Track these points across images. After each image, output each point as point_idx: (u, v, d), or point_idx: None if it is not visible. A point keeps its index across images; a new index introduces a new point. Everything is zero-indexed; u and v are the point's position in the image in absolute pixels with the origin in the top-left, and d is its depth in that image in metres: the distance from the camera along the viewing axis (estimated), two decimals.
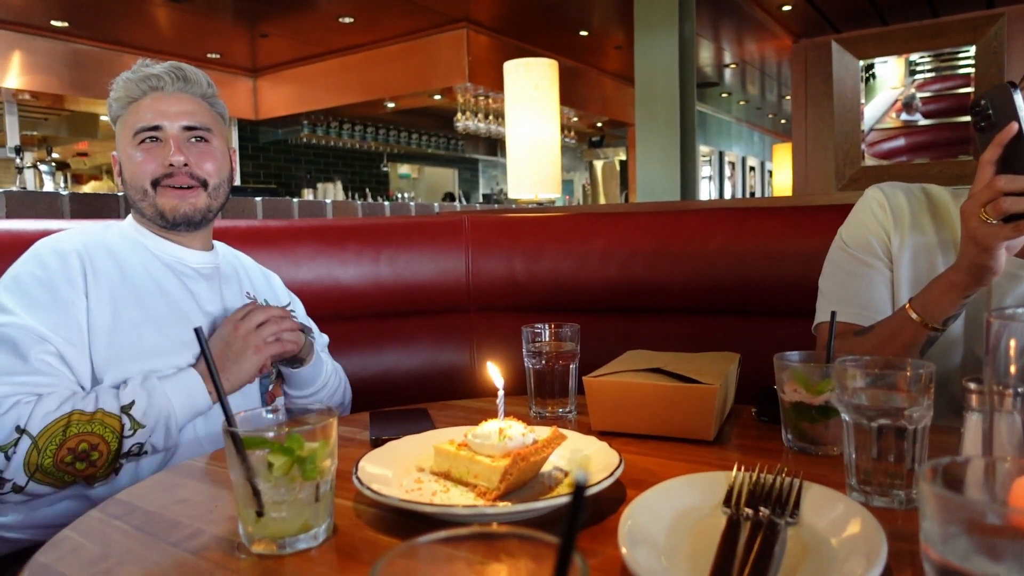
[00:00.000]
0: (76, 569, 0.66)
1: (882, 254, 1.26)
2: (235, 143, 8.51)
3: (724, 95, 10.33)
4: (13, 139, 6.75)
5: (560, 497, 0.71)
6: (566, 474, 0.84)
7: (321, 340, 1.54)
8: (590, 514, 0.75)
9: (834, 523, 0.66)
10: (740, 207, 1.93)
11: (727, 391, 1.08)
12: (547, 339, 1.19)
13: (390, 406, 1.31)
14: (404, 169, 11.07)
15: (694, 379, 1.01)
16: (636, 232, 1.84)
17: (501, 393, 0.86)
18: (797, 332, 1.40)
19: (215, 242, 1.39)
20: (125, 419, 1.04)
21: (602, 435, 1.05)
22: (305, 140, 8.68)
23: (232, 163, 1.35)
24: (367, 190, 9.66)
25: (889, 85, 5.98)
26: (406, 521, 0.74)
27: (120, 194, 1.77)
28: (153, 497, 0.85)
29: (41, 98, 6.79)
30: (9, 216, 1.53)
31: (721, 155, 11.84)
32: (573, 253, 1.86)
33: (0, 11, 5.85)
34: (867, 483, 0.77)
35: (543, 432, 0.86)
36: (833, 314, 1.04)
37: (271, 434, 0.69)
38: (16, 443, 0.98)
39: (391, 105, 8.15)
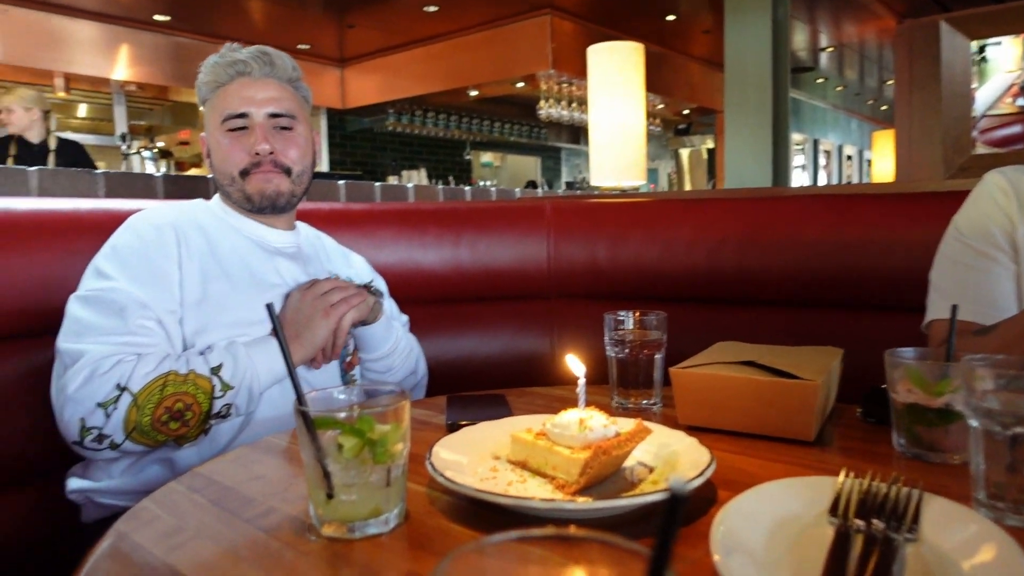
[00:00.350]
0: (152, 540, 0.66)
1: (1006, 245, 1.13)
2: (323, 131, 8.73)
3: (819, 80, 9.86)
4: (121, 128, 7.15)
5: (644, 496, 0.66)
6: (651, 470, 0.78)
7: (402, 319, 1.53)
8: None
9: (964, 544, 0.58)
10: (840, 193, 1.81)
11: (829, 388, 1.00)
12: (631, 327, 1.13)
13: (465, 391, 1.28)
14: (487, 157, 11.10)
15: (792, 374, 0.93)
16: (726, 219, 1.74)
17: (582, 382, 0.81)
18: (904, 328, 1.28)
19: (297, 223, 1.40)
20: (215, 380, 1.05)
21: (690, 430, 0.99)
22: (390, 128, 8.82)
23: (315, 147, 1.36)
24: (450, 178, 9.74)
25: (1003, 68, 5.54)
26: (480, 511, 0.71)
27: (210, 176, 1.81)
28: (232, 472, 0.85)
29: (146, 89, 7.15)
30: (108, 195, 1.59)
31: (815, 143, 11.33)
32: (658, 240, 1.78)
33: (109, 7, 6.18)
34: (998, 498, 0.68)
35: (626, 424, 0.81)
36: (954, 308, 0.94)
37: (342, 415, 0.66)
38: (117, 400, 1.01)
39: (474, 93, 8.18)
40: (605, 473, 0.74)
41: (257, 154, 1.24)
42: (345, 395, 0.73)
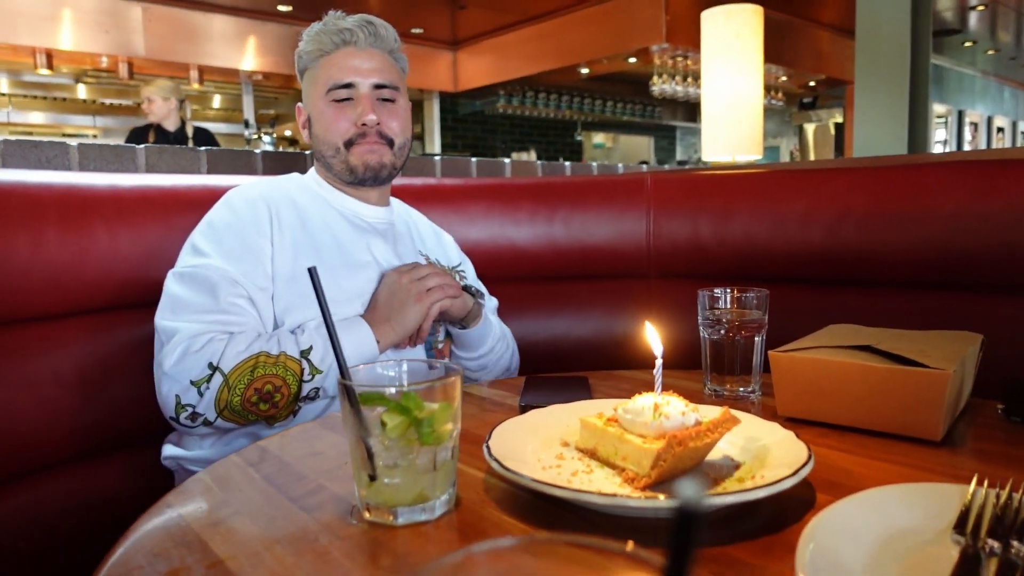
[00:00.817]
0: (195, 514, 0.64)
1: None
2: (435, 115, 8.86)
3: (967, 44, 8.94)
4: (248, 116, 7.55)
5: (723, 495, 0.57)
6: (737, 467, 0.69)
7: (490, 303, 1.48)
8: (767, 520, 0.60)
9: None
10: (988, 159, 1.58)
11: (963, 380, 0.85)
12: (728, 305, 1.02)
13: (557, 373, 1.22)
14: (599, 138, 10.91)
15: (917, 361, 0.79)
16: (848, 190, 1.57)
17: (659, 362, 0.72)
18: None
19: (392, 198, 1.38)
20: (305, 364, 1.05)
21: (789, 422, 0.88)
22: (501, 111, 8.83)
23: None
24: (561, 159, 9.65)
25: None
26: (538, 503, 0.64)
27: (307, 152, 1.82)
28: (292, 447, 0.83)
29: (272, 78, 7.50)
30: (209, 172, 1.63)
31: (960, 115, 10.32)
32: (769, 215, 1.63)
33: (238, 0, 6.51)
34: None
35: (711, 413, 0.71)
36: None
37: (390, 391, 0.61)
38: (209, 379, 1.02)
39: (585, 71, 8.02)
40: (682, 467, 0.65)
41: (364, 124, 1.23)
42: (395, 370, 0.68)
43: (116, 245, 1.32)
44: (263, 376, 1.02)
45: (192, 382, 1.02)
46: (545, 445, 0.75)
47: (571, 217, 1.79)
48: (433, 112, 8.93)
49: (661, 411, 0.66)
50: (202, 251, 1.12)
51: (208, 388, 1.01)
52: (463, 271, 1.42)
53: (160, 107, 4.28)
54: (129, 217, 1.37)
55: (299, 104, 1.31)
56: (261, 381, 1.02)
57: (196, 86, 6.98)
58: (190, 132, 4.43)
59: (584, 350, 1.76)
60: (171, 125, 4.32)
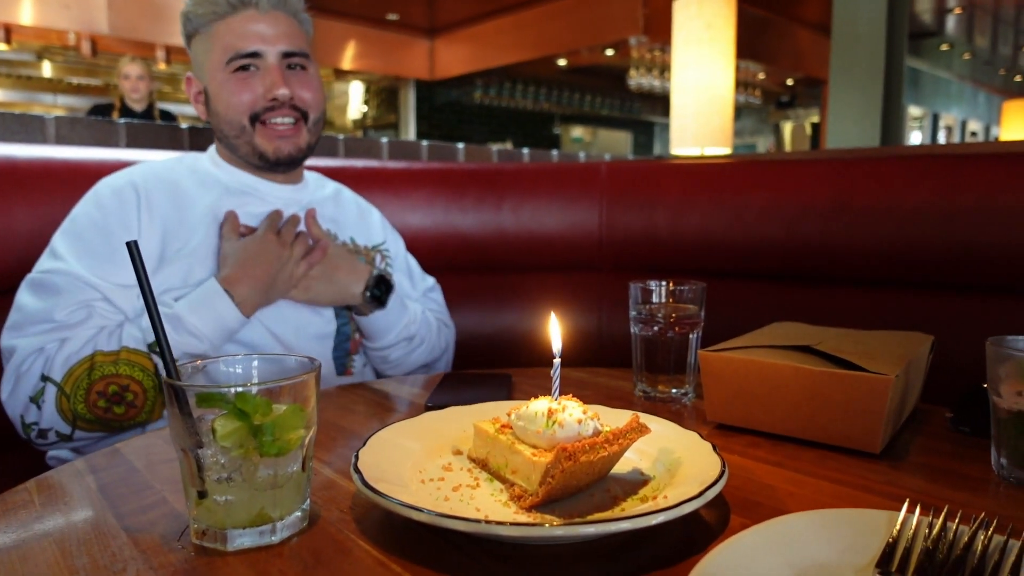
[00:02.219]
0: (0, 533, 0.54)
1: None
2: (412, 103, 8.72)
3: (943, 47, 8.97)
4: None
5: (609, 522, 0.48)
6: (645, 482, 0.60)
7: (423, 283, 1.37)
8: (670, 548, 0.51)
9: None
10: (956, 153, 1.51)
11: (909, 385, 0.77)
12: (662, 299, 0.93)
13: (502, 369, 1.12)
14: (577, 132, 10.83)
15: (858, 364, 0.71)
16: (811, 183, 1.48)
17: (557, 361, 0.63)
18: (1019, 316, 1.02)
19: (308, 174, 1.27)
20: (154, 356, 0.94)
21: (719, 430, 0.79)
22: (478, 101, 8.71)
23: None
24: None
25: None
26: (407, 523, 0.54)
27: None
28: (150, 451, 0.73)
29: None
30: (130, 146, 1.52)
31: (935, 118, 10.38)
32: (728, 207, 1.55)
33: None
34: None
35: (622, 419, 0.62)
36: None
37: (230, 390, 0.51)
38: (43, 392, 0.92)
39: (563, 63, 7.92)
40: (576, 483, 0.56)
41: (274, 99, 1.10)
42: (243, 365, 0.58)
43: (10, 222, 1.21)
44: (103, 378, 0.92)
45: (30, 398, 0.93)
46: (433, 454, 0.66)
47: (521, 205, 1.69)
48: (409, 100, 8.79)
49: (555, 418, 0.57)
50: (58, 254, 1.01)
51: (44, 401, 0.92)
52: (386, 250, 1.30)
53: (136, 86, 4.11)
54: (27, 192, 1.25)
55: (188, 74, 1.17)
56: (102, 383, 0.92)
57: (163, 66, 6.78)
58: (156, 115, 4.27)
59: (531, 345, 1.67)
60: (139, 106, 4.16)
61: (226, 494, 0.51)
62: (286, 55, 1.11)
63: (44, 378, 0.92)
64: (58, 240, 1.03)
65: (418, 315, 1.24)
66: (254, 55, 1.09)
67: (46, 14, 5.84)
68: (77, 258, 0.99)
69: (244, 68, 1.09)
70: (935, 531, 0.47)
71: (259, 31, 1.10)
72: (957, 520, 0.48)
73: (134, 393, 0.93)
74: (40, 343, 0.94)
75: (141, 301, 1.00)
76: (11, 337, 0.96)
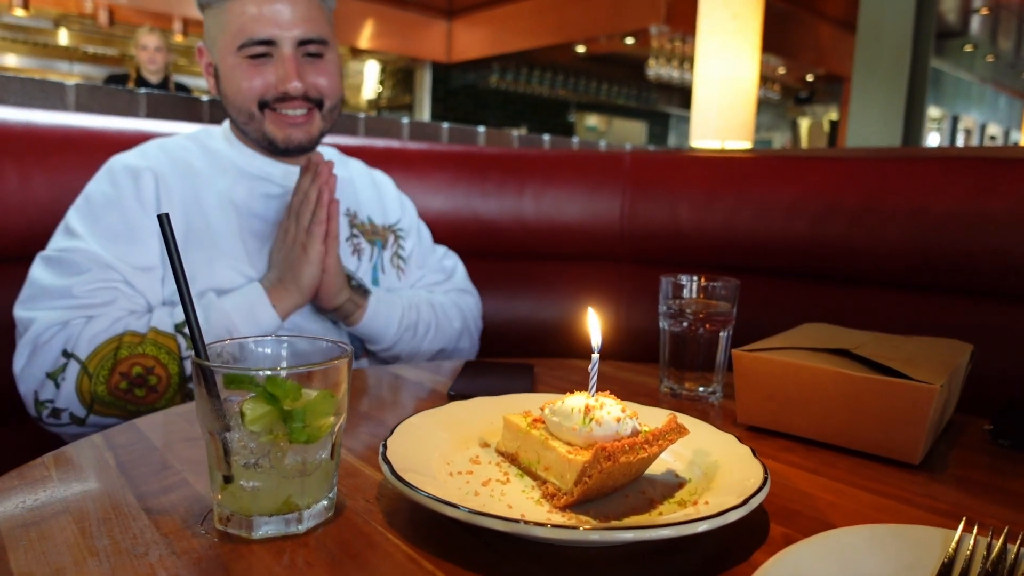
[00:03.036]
0: (10, 511, 0.52)
1: None
2: (427, 85, 8.66)
3: (967, 48, 8.84)
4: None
5: (649, 528, 0.46)
6: (681, 485, 0.58)
7: (433, 255, 1.32)
8: (709, 556, 0.49)
9: None
10: (988, 156, 1.47)
11: (949, 394, 0.75)
12: (693, 295, 0.91)
13: (518, 357, 1.10)
14: (592, 121, 10.75)
15: (900, 372, 0.69)
16: (839, 181, 1.45)
17: (595, 357, 0.61)
18: None
19: (322, 149, 1.24)
20: (180, 338, 0.92)
21: (749, 432, 0.77)
22: (494, 85, 8.64)
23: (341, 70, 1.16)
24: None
25: None
26: (435, 516, 0.52)
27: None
28: (169, 429, 0.71)
29: None
30: (150, 116, 1.50)
31: (954, 120, 10.25)
32: (753, 202, 1.52)
33: None
34: None
35: (655, 419, 0.60)
36: None
37: (260, 373, 0.49)
38: (64, 368, 0.89)
39: (581, 50, 7.85)
40: (613, 483, 0.54)
41: (286, 92, 1.05)
42: (272, 347, 0.56)
43: (29, 188, 1.19)
44: (129, 358, 0.89)
45: (48, 375, 0.89)
46: (460, 445, 0.64)
47: (542, 192, 1.67)
48: (424, 82, 8.73)
49: (593, 416, 0.55)
50: (75, 232, 0.98)
51: (64, 379, 0.89)
52: (400, 229, 1.25)
53: (153, 57, 4.08)
54: (45, 158, 1.23)
55: (200, 44, 1.11)
56: (127, 364, 0.89)
57: (179, 38, 6.74)
58: (172, 88, 4.24)
59: (547, 334, 1.65)
60: (155, 78, 4.13)
61: (253, 480, 0.49)
62: (303, 42, 1.05)
63: (67, 354, 0.89)
64: (74, 218, 0.99)
65: (418, 301, 1.19)
66: (268, 42, 1.03)
67: None
68: (96, 238, 0.96)
69: (257, 54, 1.04)
70: (994, 552, 0.45)
71: (275, 14, 1.03)
72: (1018, 544, 0.46)
73: (158, 377, 0.91)
74: (63, 317, 0.91)
75: (161, 287, 0.98)
76: (27, 309, 0.93)
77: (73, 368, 0.89)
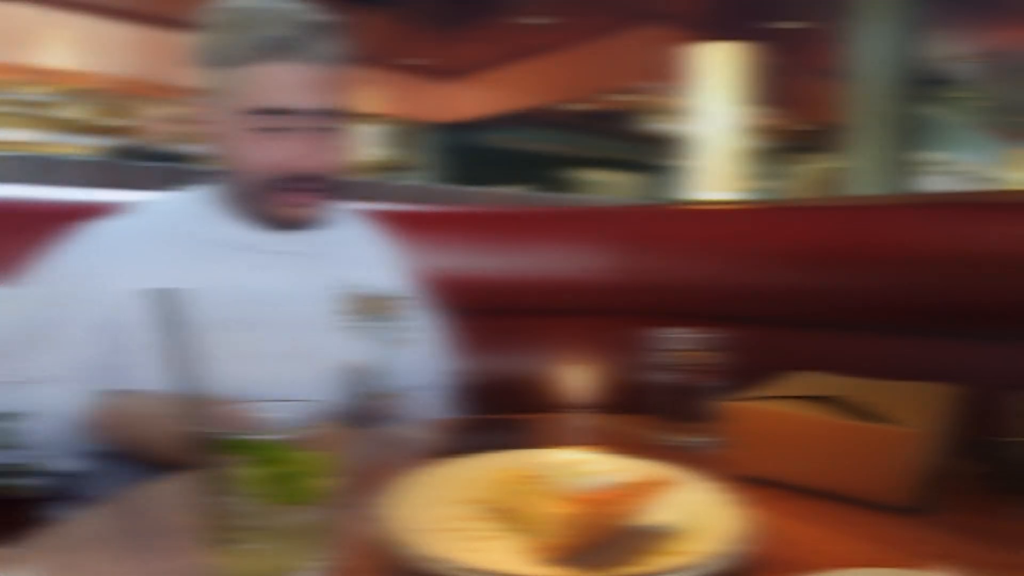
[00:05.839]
0: None
1: None
2: (426, 145, 8.86)
3: (956, 94, 9.03)
4: None
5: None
6: (666, 535, 0.58)
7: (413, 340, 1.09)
8: None
9: None
10: (977, 202, 1.51)
11: (938, 438, 0.76)
12: (683, 346, 0.92)
13: (512, 414, 1.11)
14: (588, 175, 10.93)
15: (884, 417, 0.70)
16: (830, 229, 1.49)
17: (580, 410, 0.62)
18: None
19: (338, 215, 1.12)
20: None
21: (740, 482, 0.77)
22: (490, 144, 8.84)
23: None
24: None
25: None
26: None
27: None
28: (161, 497, 0.72)
29: None
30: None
31: (946, 165, 10.39)
32: (744, 253, 1.55)
33: None
34: None
35: (642, 470, 0.61)
36: None
37: (257, 436, 0.51)
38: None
39: (578, 107, 8.05)
40: (600, 536, 0.55)
41: (298, 172, 0.95)
42: (271, 410, 0.57)
43: None
44: None
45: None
46: (450, 501, 0.65)
47: (534, 248, 1.70)
48: (422, 143, 8.93)
49: (578, 469, 0.56)
50: None
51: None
52: (397, 300, 1.06)
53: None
54: None
55: (199, 95, 0.97)
56: None
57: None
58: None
59: (539, 390, 1.66)
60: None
61: (249, 543, 0.50)
62: (320, 114, 0.95)
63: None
64: None
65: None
66: (283, 112, 0.93)
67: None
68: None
69: (268, 127, 0.93)
70: None
71: (292, 84, 0.93)
72: None
73: None
74: None
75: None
76: None
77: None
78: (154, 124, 4.22)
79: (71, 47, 5.96)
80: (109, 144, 6.98)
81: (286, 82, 0.93)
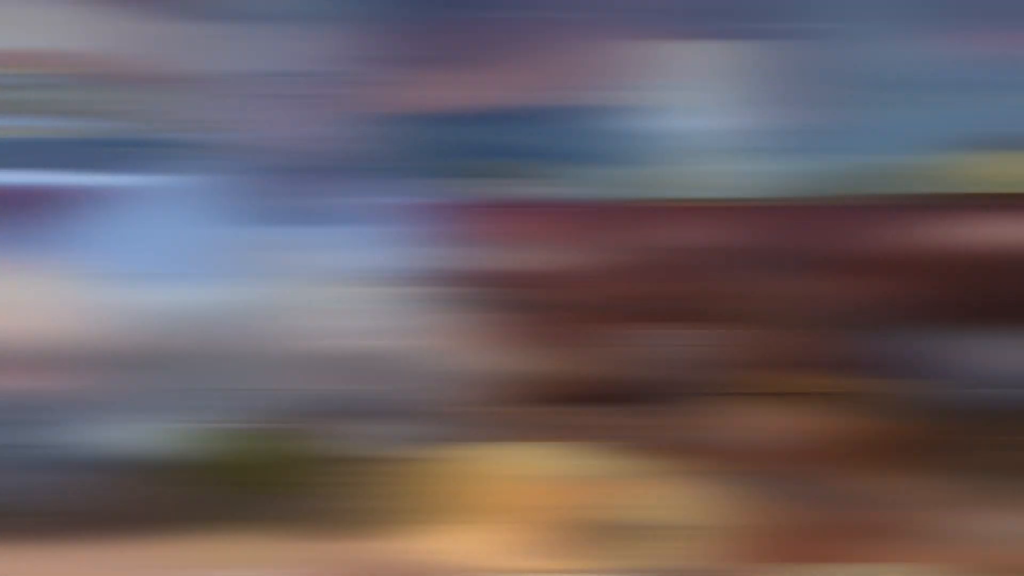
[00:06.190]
0: None
1: None
2: None
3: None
4: None
5: None
6: (643, 528, 0.60)
7: None
8: None
9: None
10: (963, 202, 1.52)
11: None
12: (663, 345, 0.93)
13: None
14: (565, 170, 10.82)
15: None
16: (813, 226, 1.49)
17: (560, 405, 0.63)
18: None
19: None
20: None
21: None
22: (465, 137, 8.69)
23: None
24: None
25: None
26: None
27: None
28: None
29: None
30: None
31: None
32: (726, 250, 1.56)
33: None
34: None
35: (614, 464, 0.62)
36: None
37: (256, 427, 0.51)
38: None
39: (554, 102, 7.93)
40: (578, 528, 0.56)
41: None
42: None
43: None
44: None
45: None
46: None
47: (507, 241, 1.70)
48: (394, 134, 8.75)
49: (554, 462, 0.57)
50: None
51: None
52: None
53: None
54: None
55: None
56: None
57: None
58: None
59: (514, 384, 1.66)
60: None
61: (233, 530, 0.51)
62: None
63: None
64: None
65: None
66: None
67: None
68: None
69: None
70: None
71: None
72: None
73: None
74: None
75: None
76: None
77: None
78: (126, 107, 4.05)
79: (38, 28, 5.78)
80: (79, 126, 6.80)
81: None
